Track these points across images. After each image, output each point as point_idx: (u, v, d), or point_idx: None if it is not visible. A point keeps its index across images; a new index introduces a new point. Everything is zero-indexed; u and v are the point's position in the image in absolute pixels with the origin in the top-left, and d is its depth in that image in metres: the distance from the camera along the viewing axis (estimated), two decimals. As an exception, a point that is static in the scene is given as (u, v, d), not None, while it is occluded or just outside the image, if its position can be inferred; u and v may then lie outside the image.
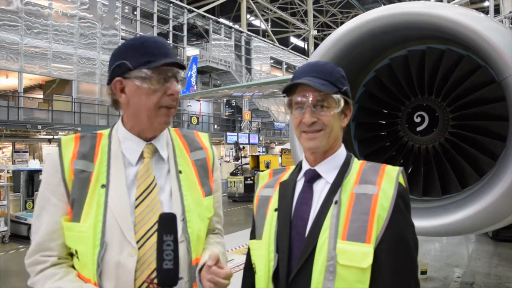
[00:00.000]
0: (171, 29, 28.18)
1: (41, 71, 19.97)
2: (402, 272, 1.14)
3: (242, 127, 30.99)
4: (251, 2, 36.21)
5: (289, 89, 1.27)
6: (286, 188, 1.30)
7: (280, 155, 17.42)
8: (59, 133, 18.83)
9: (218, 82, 32.27)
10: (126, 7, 25.53)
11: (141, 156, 1.30)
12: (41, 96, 22.45)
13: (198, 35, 32.62)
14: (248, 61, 35.09)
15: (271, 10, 41.76)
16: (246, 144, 25.97)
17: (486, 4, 32.70)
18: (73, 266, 1.26)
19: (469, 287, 5.23)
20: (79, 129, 18.91)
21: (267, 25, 41.89)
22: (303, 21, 44.61)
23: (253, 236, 1.35)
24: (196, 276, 1.25)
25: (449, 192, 3.21)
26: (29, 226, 7.93)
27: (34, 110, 20.15)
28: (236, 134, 25.87)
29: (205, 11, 31.48)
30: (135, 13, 26.00)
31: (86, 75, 21.43)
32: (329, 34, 3.26)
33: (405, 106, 3.47)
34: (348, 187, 1.21)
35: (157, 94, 1.26)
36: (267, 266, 1.24)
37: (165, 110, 1.28)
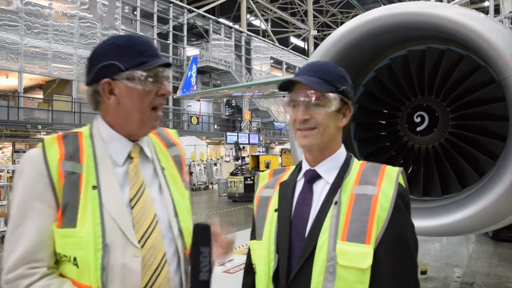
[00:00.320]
0: (171, 29, 28.19)
1: (41, 71, 19.99)
2: (402, 272, 1.14)
3: (242, 127, 31.00)
4: (251, 2, 36.22)
5: (285, 87, 1.28)
6: (286, 189, 1.31)
7: (280, 155, 17.42)
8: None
9: (218, 82, 32.28)
10: (126, 7, 25.54)
11: (128, 157, 1.29)
12: (41, 96, 22.48)
13: (198, 35, 32.64)
14: (248, 61, 35.11)
15: (271, 10, 41.77)
16: (246, 144, 25.98)
17: (486, 4, 32.69)
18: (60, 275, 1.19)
19: (469, 287, 5.23)
20: (79, 129, 18.88)
21: (267, 25, 41.90)
22: (303, 21, 44.62)
23: (253, 236, 1.35)
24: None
25: (449, 192, 3.21)
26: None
27: (34, 110, 20.18)
28: (236, 134, 25.87)
29: (205, 11, 31.50)
30: (135, 13, 26.02)
31: (86, 75, 21.43)
32: (329, 34, 3.26)
33: (405, 106, 3.47)
34: (348, 188, 1.21)
35: (151, 96, 1.25)
36: (267, 267, 1.24)
37: (156, 111, 1.28)
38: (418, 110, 3.39)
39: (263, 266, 1.25)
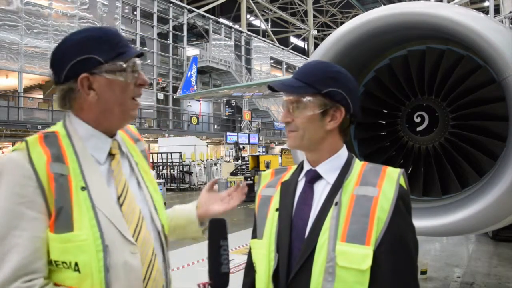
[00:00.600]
0: (171, 29, 28.20)
1: (41, 71, 19.99)
2: (401, 273, 1.14)
3: (242, 127, 31.01)
4: (251, 2, 36.22)
5: (272, 90, 1.30)
6: (288, 188, 1.30)
7: (280, 155, 17.41)
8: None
9: (218, 82, 32.29)
10: (126, 7, 25.55)
11: (108, 154, 1.27)
12: (41, 96, 22.48)
13: (198, 35, 32.65)
14: (248, 61, 35.12)
15: (271, 10, 41.78)
16: (246, 144, 25.98)
17: (486, 4, 32.71)
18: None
19: (469, 287, 5.23)
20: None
21: (267, 25, 41.92)
22: (303, 21, 44.62)
23: (254, 235, 1.35)
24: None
25: (449, 192, 3.21)
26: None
27: (34, 110, 20.20)
28: (236, 134, 25.87)
29: (205, 11, 31.51)
30: (135, 13, 26.02)
31: (86, 75, 21.44)
32: (329, 34, 3.26)
33: (405, 106, 3.48)
34: (348, 189, 1.20)
35: (130, 87, 1.24)
36: (267, 266, 1.24)
37: (135, 101, 1.27)
38: (418, 110, 3.40)
39: (263, 265, 1.25)
